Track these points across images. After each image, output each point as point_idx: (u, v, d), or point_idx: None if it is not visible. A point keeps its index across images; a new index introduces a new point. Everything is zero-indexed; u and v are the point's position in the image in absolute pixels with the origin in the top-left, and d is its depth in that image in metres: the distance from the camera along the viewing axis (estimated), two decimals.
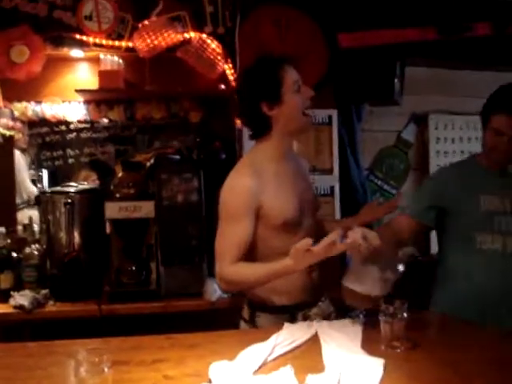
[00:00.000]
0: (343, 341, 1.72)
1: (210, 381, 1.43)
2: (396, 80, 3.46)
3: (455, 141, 3.88)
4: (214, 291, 2.86)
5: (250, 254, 2.00)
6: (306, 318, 2.08)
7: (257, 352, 1.60)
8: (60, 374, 1.55)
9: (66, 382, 1.50)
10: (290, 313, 2.07)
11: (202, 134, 3.33)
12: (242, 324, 2.16)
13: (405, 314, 1.70)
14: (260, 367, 1.51)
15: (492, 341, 1.80)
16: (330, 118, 3.38)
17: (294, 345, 1.70)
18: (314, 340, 1.75)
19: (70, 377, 1.43)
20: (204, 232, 2.90)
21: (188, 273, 2.93)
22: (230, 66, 3.22)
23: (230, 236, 1.97)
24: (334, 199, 3.32)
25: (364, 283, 1.81)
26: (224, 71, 3.22)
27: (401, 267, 1.80)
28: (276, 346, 1.67)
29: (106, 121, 3.38)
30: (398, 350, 1.67)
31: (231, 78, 3.21)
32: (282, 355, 1.62)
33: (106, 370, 1.31)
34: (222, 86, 3.24)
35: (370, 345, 1.69)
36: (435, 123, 3.85)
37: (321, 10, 3.37)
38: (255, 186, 1.97)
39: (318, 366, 1.53)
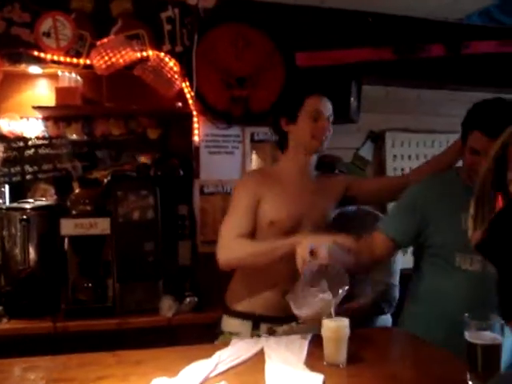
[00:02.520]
0: (287, 357, 1.75)
1: None
2: (352, 98, 3.53)
3: (411, 158, 3.97)
4: (169, 307, 2.88)
5: None
6: (271, 333, 2.18)
7: (199, 368, 1.62)
8: None
9: None
10: (253, 321, 2.19)
11: (160, 151, 3.35)
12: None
13: (347, 330, 1.74)
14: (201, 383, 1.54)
15: (438, 358, 1.82)
16: None
17: (238, 361, 1.73)
18: (260, 356, 1.78)
19: None
20: (160, 249, 2.91)
21: (144, 289, 2.95)
22: (188, 84, 3.25)
23: (235, 219, 2.16)
24: None
25: (301, 304, 1.84)
26: (181, 89, 3.26)
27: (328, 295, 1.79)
28: (220, 362, 1.69)
29: (72, 137, 3.37)
30: (340, 366, 1.71)
31: (188, 96, 3.25)
32: (224, 371, 1.65)
33: None
34: (180, 104, 3.27)
35: (313, 361, 1.73)
36: (392, 141, 3.93)
37: (278, 30, 3.44)
38: (256, 184, 2.22)
39: (259, 382, 1.55)
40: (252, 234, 2.18)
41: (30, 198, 3.24)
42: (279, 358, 1.74)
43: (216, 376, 1.61)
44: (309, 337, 1.92)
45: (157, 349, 1.91)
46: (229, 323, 2.25)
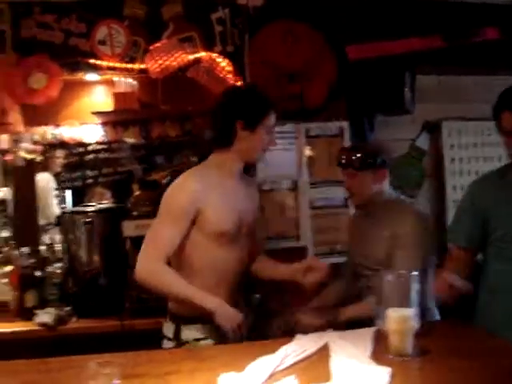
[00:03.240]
0: (352, 351, 1.75)
1: None
2: (406, 89, 3.49)
3: (469, 147, 3.89)
4: None
5: (185, 263, 2.17)
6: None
7: (266, 363, 1.64)
8: None
9: None
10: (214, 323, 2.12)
11: None
12: (166, 342, 2.22)
13: (412, 322, 1.73)
14: (268, 378, 1.55)
15: (504, 350, 1.79)
16: (341, 129, 3.42)
17: (303, 355, 1.74)
18: (325, 351, 1.78)
19: None
20: None
21: None
22: (241, 83, 3.28)
23: (165, 233, 2.10)
24: (348, 210, 3.34)
25: None
26: None
27: None
28: (285, 357, 1.71)
29: (130, 141, 3.46)
30: (406, 358, 1.70)
31: None
32: (291, 366, 1.66)
33: (116, 382, 1.36)
34: None
35: (379, 354, 1.72)
36: (448, 130, 3.86)
37: (328, 23, 3.42)
38: (198, 190, 2.13)
39: (325, 376, 1.56)
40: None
41: (88, 202, 3.35)
42: (344, 352, 1.74)
43: (282, 371, 1.62)
44: (374, 330, 1.91)
45: (222, 345, 1.95)
46: (191, 331, 2.17)
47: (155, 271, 2.09)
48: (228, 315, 2.05)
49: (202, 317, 2.11)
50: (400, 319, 1.72)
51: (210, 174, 2.22)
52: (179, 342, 2.17)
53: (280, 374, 1.59)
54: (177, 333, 2.19)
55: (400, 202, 2.49)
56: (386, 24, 3.45)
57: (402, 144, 3.78)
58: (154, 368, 1.72)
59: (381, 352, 1.74)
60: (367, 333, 1.90)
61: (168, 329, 2.23)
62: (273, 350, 1.75)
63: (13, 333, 2.85)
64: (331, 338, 1.89)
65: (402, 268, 2.19)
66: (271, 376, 1.57)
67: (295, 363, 1.69)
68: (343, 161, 2.45)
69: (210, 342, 2.15)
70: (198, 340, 2.15)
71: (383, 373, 1.55)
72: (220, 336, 2.11)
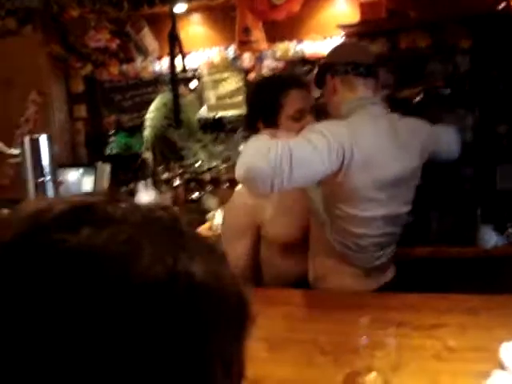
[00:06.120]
0: None
1: (500, 364, 1.25)
2: None
3: None
4: (489, 239, 2.61)
5: (257, 274, 2.04)
6: None
7: None
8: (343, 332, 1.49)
9: (344, 342, 1.42)
10: None
11: (474, 62, 2.96)
12: None
13: None
14: None
15: None
16: None
17: None
18: None
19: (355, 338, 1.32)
20: (478, 174, 2.63)
21: (459, 218, 2.72)
22: None
23: (232, 255, 1.95)
24: None
25: None
26: None
27: None
28: None
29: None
30: None
31: None
32: None
33: (365, 340, 1.26)
34: (501, 6, 2.79)
35: None
36: None
37: None
38: (254, 204, 1.97)
39: None
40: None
41: None
42: None
43: None
44: None
45: (491, 296, 1.69)
46: None
47: None
48: None
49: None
50: None
51: None
52: None
53: None
54: None
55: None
56: None
57: None
58: (418, 316, 1.55)
59: None
60: None
61: None
62: None
63: None
64: None
65: None
66: None
67: None
68: None
69: None
70: None
71: None
72: None
